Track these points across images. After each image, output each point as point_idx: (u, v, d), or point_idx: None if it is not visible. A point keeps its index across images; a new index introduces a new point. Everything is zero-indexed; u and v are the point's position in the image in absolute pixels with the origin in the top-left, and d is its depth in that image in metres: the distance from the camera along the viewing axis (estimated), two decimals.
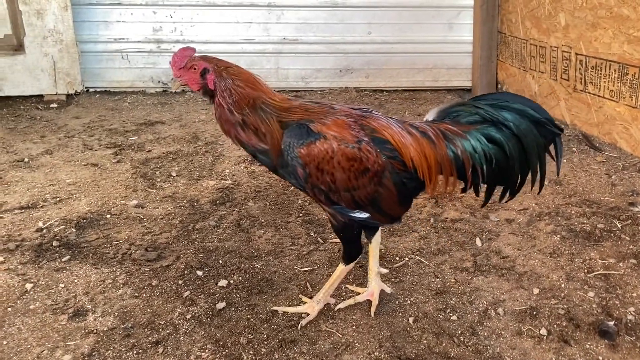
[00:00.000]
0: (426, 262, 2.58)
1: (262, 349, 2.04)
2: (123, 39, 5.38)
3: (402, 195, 2.03)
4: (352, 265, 2.19)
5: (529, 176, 2.06)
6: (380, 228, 2.26)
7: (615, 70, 3.82)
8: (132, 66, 5.45)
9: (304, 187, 1.97)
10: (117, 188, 3.36)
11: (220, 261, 2.59)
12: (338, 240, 2.52)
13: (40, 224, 2.89)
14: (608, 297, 2.31)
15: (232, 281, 2.44)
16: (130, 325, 2.16)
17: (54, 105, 5.04)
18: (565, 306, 2.26)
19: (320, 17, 5.49)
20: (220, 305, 2.27)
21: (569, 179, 3.41)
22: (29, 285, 2.39)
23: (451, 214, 3.02)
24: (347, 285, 2.40)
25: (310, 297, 2.28)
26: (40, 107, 4.98)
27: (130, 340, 2.08)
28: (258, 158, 2.02)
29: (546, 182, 3.18)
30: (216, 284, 2.42)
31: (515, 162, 2.01)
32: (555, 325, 2.16)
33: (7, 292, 2.35)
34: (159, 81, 5.52)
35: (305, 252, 2.66)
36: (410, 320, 2.19)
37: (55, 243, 2.72)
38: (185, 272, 2.50)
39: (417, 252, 2.67)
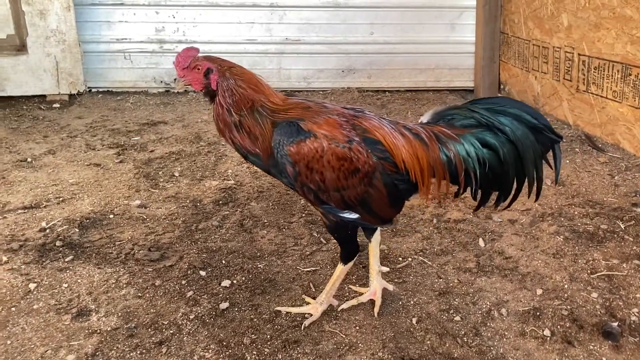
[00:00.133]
0: (429, 263, 2.58)
1: (266, 349, 2.04)
2: (125, 39, 5.38)
3: (393, 197, 2.01)
4: (350, 264, 2.18)
5: (526, 183, 2.01)
6: (379, 228, 2.25)
7: (618, 71, 3.81)
8: (134, 66, 5.45)
9: (294, 185, 1.97)
10: (120, 188, 3.37)
11: (224, 261, 2.59)
12: None
13: (44, 224, 2.90)
14: (611, 298, 2.31)
15: (235, 281, 2.44)
16: (133, 325, 2.16)
17: (57, 105, 5.04)
18: (568, 307, 2.26)
19: (323, 18, 5.49)
20: (224, 305, 2.27)
21: (572, 180, 3.40)
22: (32, 285, 2.39)
23: (454, 214, 3.01)
24: (350, 286, 2.41)
25: (314, 298, 2.28)
26: (42, 107, 4.98)
27: (134, 341, 2.08)
28: (249, 159, 2.02)
29: (547, 185, 3.18)
30: (219, 284, 2.42)
31: (510, 168, 1.97)
32: (558, 326, 2.16)
33: (10, 292, 2.35)
34: (161, 81, 5.52)
35: (308, 253, 2.66)
36: (414, 320, 2.19)
37: (58, 243, 2.72)
38: (189, 272, 2.51)
39: (420, 253, 2.67)
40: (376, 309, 2.23)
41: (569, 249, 2.67)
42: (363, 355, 2.02)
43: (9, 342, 2.07)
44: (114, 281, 2.44)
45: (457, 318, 2.21)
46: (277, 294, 2.36)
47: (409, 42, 5.59)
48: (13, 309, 2.25)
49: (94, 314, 2.23)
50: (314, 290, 2.38)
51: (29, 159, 3.79)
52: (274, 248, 2.71)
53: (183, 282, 2.44)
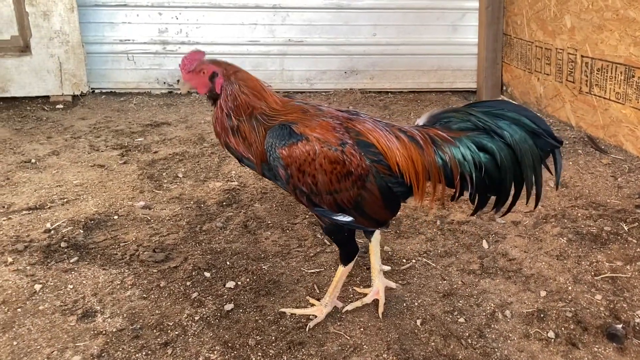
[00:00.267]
0: (433, 265, 2.59)
1: (271, 351, 2.05)
2: (129, 40, 5.40)
3: (388, 199, 2.00)
4: (351, 265, 2.19)
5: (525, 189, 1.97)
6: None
7: (621, 73, 3.82)
8: (137, 67, 5.47)
9: (287, 188, 1.97)
10: (124, 189, 3.38)
11: (228, 262, 2.60)
12: None
13: (48, 225, 2.91)
14: (615, 300, 2.32)
15: (239, 283, 2.45)
16: (139, 326, 2.17)
17: (60, 106, 5.05)
18: (572, 309, 2.27)
19: (325, 19, 5.50)
20: (229, 306, 2.28)
21: (575, 182, 3.41)
22: (37, 286, 2.40)
23: (457, 216, 3.02)
24: (355, 288, 2.41)
25: (318, 299, 2.28)
26: (46, 108, 5.00)
27: (139, 342, 2.09)
28: (244, 162, 2.03)
29: (550, 187, 3.19)
30: (224, 285, 2.43)
31: (508, 173, 1.94)
32: (562, 328, 2.16)
33: (16, 293, 2.36)
34: (164, 82, 5.53)
35: (312, 254, 2.67)
36: (418, 322, 2.20)
37: (63, 244, 2.73)
38: (193, 273, 2.51)
39: (424, 255, 2.67)
40: (380, 309, 2.24)
41: (573, 251, 2.67)
42: (368, 356, 2.02)
43: (15, 343, 2.07)
44: (119, 282, 2.45)
45: (462, 320, 2.22)
46: (281, 296, 2.37)
47: (412, 44, 5.60)
48: (19, 310, 2.26)
49: (99, 315, 2.24)
50: (318, 291, 2.39)
51: (33, 160, 3.80)
52: (277, 249, 2.72)
53: (188, 283, 2.44)
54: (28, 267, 2.54)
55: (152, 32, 5.41)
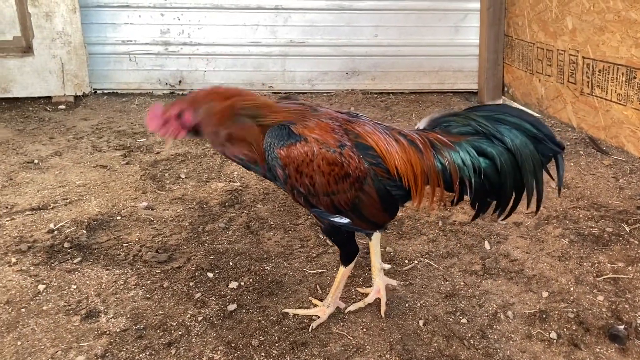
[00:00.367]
0: (435, 265, 2.60)
1: (274, 351, 2.05)
2: (131, 41, 5.40)
3: (386, 202, 1.99)
4: (351, 265, 2.19)
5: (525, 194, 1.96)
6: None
7: (622, 74, 3.82)
8: (139, 68, 5.47)
9: (285, 188, 1.97)
10: (127, 190, 3.38)
11: (231, 263, 2.61)
12: None
13: (52, 226, 2.92)
14: (617, 301, 2.32)
15: (242, 283, 2.46)
16: (142, 326, 2.18)
17: (62, 106, 5.06)
18: (574, 310, 2.27)
19: (327, 20, 5.51)
20: (232, 307, 2.29)
21: (577, 183, 3.41)
22: (41, 287, 2.41)
23: (459, 217, 3.03)
24: (357, 288, 2.42)
25: (321, 300, 2.29)
26: (48, 109, 5.01)
27: (143, 342, 2.10)
28: (251, 168, 2.00)
29: (552, 188, 3.19)
30: (227, 285, 2.44)
31: (508, 178, 1.94)
32: (565, 329, 2.17)
33: (20, 293, 2.37)
34: (166, 83, 5.54)
35: (314, 255, 2.68)
36: (421, 323, 2.21)
37: (66, 244, 2.74)
38: (196, 273, 2.52)
39: (426, 255, 2.68)
40: (382, 307, 2.24)
41: (575, 252, 2.68)
42: (370, 357, 2.03)
43: (19, 343, 2.08)
44: (122, 282, 2.46)
45: (464, 320, 2.22)
46: (284, 296, 2.37)
47: (413, 45, 5.60)
48: (23, 310, 2.27)
49: (103, 315, 2.25)
50: (320, 292, 2.40)
51: (36, 161, 3.81)
52: (280, 250, 2.72)
53: (191, 283, 2.45)
54: (32, 268, 2.55)
55: (154, 33, 5.42)
